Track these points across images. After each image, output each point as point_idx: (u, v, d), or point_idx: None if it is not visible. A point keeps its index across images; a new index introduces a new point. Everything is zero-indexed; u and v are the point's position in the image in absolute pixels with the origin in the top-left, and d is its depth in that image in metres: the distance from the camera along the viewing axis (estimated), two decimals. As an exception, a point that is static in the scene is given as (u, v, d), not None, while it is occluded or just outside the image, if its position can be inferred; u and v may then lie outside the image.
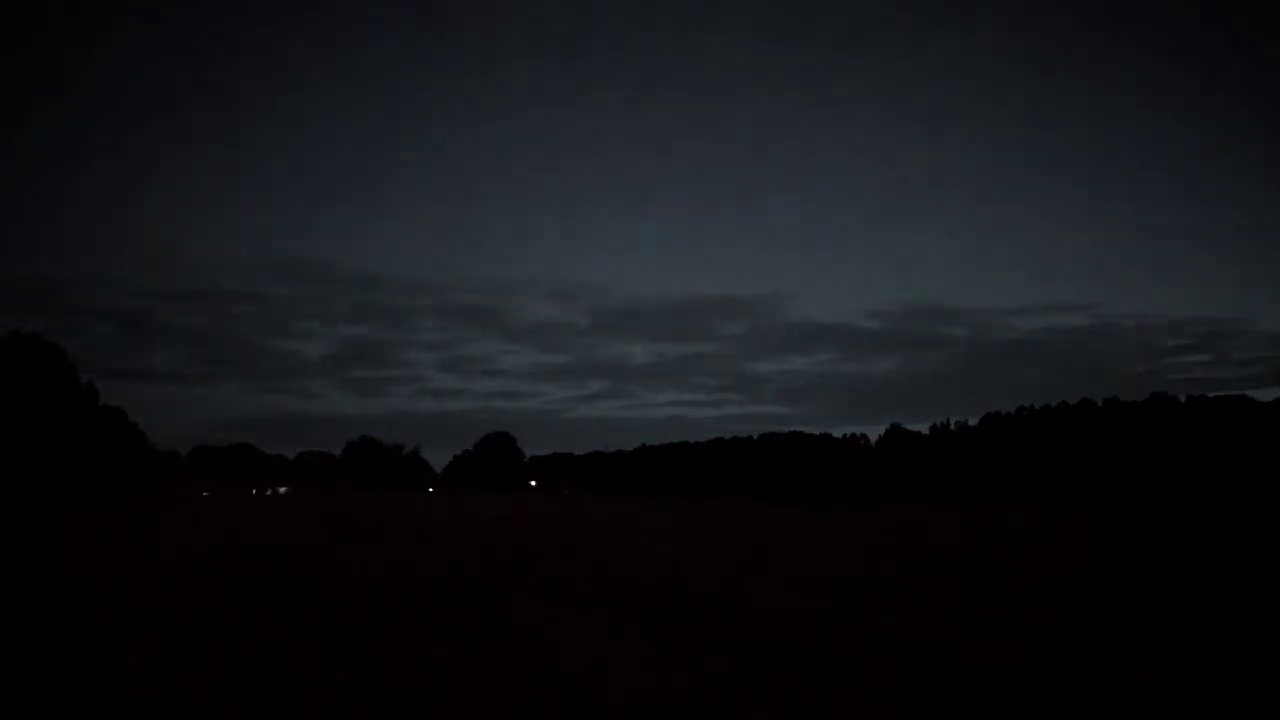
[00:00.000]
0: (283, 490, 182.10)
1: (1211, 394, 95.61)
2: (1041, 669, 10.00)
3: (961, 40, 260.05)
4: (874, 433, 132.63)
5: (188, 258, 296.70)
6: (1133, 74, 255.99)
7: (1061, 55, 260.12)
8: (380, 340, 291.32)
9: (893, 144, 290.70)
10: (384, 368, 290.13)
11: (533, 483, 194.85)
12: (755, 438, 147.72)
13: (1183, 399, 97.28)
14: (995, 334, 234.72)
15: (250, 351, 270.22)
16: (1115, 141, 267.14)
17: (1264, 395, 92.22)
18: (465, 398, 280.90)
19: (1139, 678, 9.60)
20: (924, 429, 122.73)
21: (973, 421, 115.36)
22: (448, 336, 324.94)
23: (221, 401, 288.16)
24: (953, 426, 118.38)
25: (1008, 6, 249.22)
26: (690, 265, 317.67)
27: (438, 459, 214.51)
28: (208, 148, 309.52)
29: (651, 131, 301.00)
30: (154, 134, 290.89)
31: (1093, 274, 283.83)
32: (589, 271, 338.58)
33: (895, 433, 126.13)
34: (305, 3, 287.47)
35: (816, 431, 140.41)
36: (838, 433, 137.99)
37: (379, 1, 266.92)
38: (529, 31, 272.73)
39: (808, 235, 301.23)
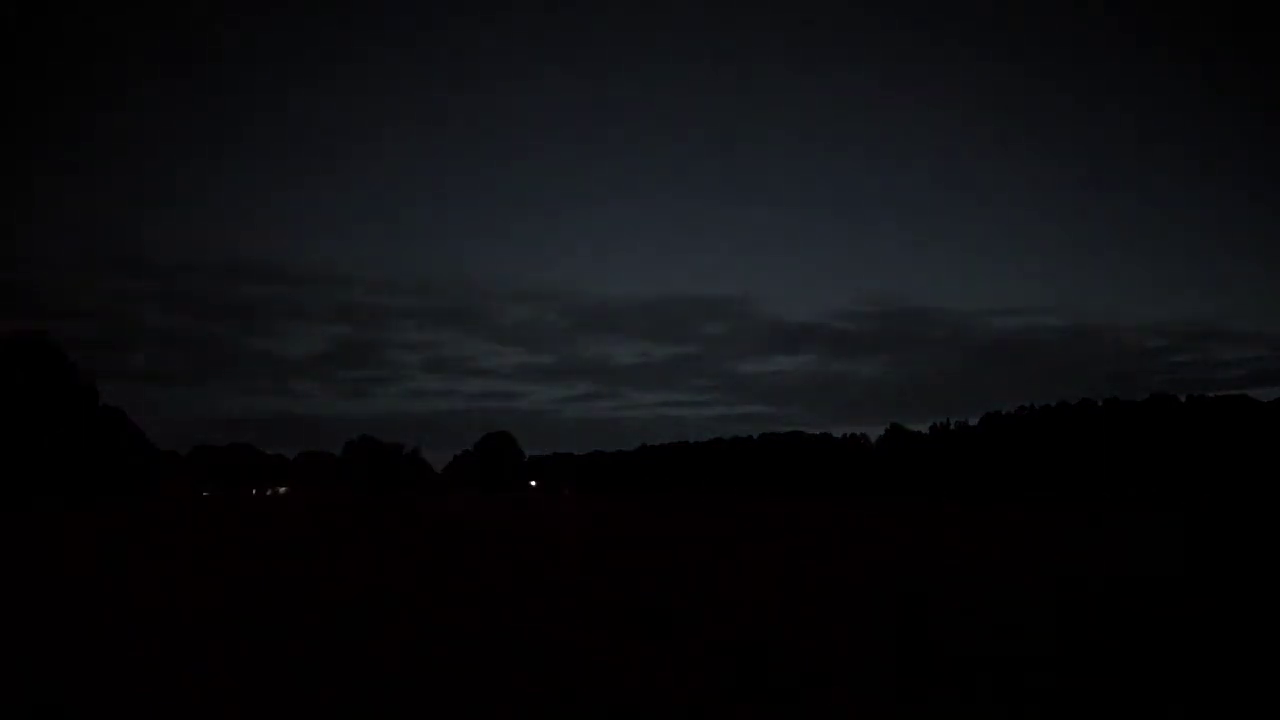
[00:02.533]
0: (283, 490, 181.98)
1: (1211, 394, 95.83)
2: (1041, 669, 9.99)
3: (941, 43, 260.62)
4: (872, 432, 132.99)
5: (167, 260, 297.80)
6: (1113, 77, 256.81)
7: (1042, 58, 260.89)
8: (364, 341, 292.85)
9: (871, 144, 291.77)
10: (370, 369, 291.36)
11: (533, 483, 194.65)
12: (755, 437, 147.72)
13: (1183, 399, 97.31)
14: (974, 335, 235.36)
15: (231, 353, 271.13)
16: (1098, 143, 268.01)
17: (1264, 395, 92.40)
18: (455, 398, 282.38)
19: (1137, 676, 9.60)
20: (924, 429, 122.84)
21: (973, 421, 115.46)
22: (430, 338, 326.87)
23: (205, 402, 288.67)
24: (953, 426, 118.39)
25: (989, 11, 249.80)
26: (664, 266, 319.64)
27: (433, 458, 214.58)
28: (187, 150, 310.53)
29: (628, 132, 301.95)
30: (135, 137, 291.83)
31: (1072, 275, 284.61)
32: (563, 273, 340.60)
33: (895, 433, 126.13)
34: (283, 6, 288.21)
35: (816, 431, 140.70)
36: (837, 432, 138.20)
37: (357, 3, 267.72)
38: (505, 34, 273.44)
39: (780, 236, 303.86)
